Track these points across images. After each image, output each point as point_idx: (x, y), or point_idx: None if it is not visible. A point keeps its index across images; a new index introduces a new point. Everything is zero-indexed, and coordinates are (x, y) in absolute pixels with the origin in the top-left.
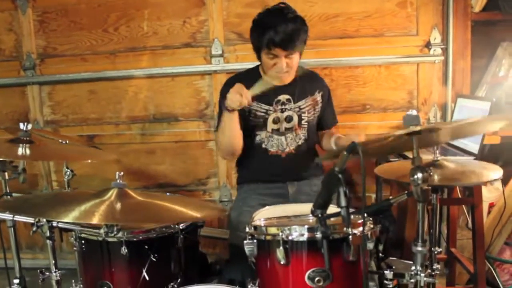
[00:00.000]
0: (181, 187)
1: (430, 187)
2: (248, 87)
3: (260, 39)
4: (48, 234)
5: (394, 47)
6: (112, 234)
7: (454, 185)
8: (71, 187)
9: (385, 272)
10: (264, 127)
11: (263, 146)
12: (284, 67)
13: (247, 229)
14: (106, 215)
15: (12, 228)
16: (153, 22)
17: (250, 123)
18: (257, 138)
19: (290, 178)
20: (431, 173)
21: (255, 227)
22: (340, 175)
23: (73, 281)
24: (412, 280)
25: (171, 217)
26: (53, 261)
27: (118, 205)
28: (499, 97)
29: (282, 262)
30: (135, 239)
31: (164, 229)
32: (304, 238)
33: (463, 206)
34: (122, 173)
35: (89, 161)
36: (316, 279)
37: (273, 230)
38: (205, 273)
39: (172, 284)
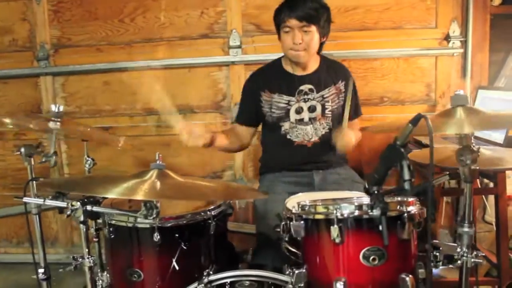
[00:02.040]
0: None
1: (478, 167)
2: (270, 80)
3: (278, 13)
4: (82, 218)
5: (413, 40)
6: (151, 218)
7: (496, 169)
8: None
9: (436, 253)
10: (287, 118)
11: (288, 137)
12: (298, 39)
13: (293, 210)
14: (150, 192)
15: (37, 216)
16: (170, 12)
17: (273, 115)
18: (282, 129)
19: (315, 167)
20: (479, 154)
21: (303, 207)
22: (402, 149)
23: (98, 270)
24: (459, 262)
25: (213, 194)
26: (86, 248)
27: (159, 185)
28: None
29: (336, 241)
30: (167, 225)
31: (196, 216)
32: (360, 215)
33: (483, 197)
34: (160, 154)
35: (120, 144)
36: (371, 257)
37: (325, 208)
38: (234, 262)
39: (207, 270)
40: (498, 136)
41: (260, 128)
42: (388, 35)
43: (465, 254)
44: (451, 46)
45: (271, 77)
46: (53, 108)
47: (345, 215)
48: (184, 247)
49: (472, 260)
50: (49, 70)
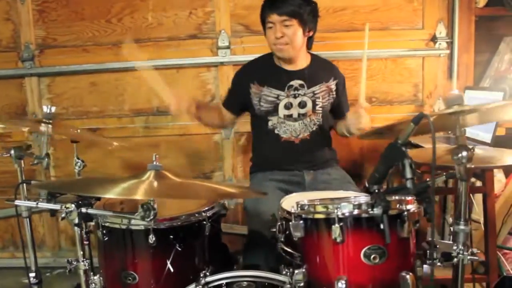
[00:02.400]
0: None
1: (473, 166)
2: (260, 73)
3: (262, 10)
4: (77, 221)
5: (401, 41)
6: (148, 219)
7: (485, 167)
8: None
9: (433, 252)
10: (275, 112)
11: (276, 131)
12: (279, 34)
13: (292, 210)
14: (148, 191)
15: (27, 219)
16: (158, 13)
17: (261, 108)
18: (269, 123)
19: (306, 166)
20: (474, 152)
21: (302, 207)
22: (403, 148)
23: (91, 273)
24: (455, 259)
25: (211, 194)
26: (81, 251)
27: (157, 185)
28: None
29: (337, 240)
30: (161, 227)
31: (190, 217)
32: (360, 214)
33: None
34: (157, 155)
35: (114, 144)
36: (372, 256)
37: (325, 208)
38: (228, 263)
39: (204, 272)
40: (486, 135)
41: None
42: (376, 36)
43: (461, 252)
44: (437, 47)
45: (261, 70)
46: (45, 109)
47: (346, 214)
48: (179, 249)
49: (468, 257)
50: (34, 71)
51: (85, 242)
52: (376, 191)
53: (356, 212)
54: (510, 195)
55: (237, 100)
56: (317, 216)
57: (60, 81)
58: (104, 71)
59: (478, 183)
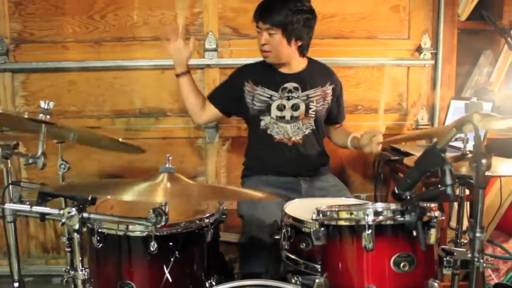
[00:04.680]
0: None
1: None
2: (255, 72)
3: (254, 13)
4: (77, 226)
5: (387, 50)
6: (160, 225)
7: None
8: (65, 181)
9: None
10: (268, 112)
11: (268, 131)
12: (262, 41)
13: (313, 216)
14: (168, 194)
15: (12, 224)
16: (144, 11)
17: (254, 107)
18: (262, 123)
19: (301, 172)
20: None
21: (324, 213)
22: (442, 154)
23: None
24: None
25: (233, 194)
26: (80, 258)
27: (173, 188)
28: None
29: (368, 248)
30: (161, 234)
31: (192, 223)
32: (391, 220)
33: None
34: (171, 156)
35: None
36: (402, 264)
37: (351, 214)
38: (225, 272)
39: (209, 281)
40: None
41: None
42: (364, 44)
43: (476, 259)
44: (422, 58)
45: (257, 70)
46: (43, 104)
47: (376, 221)
48: (178, 256)
49: (484, 264)
50: (8, 66)
51: (67, 249)
52: (409, 197)
53: (387, 218)
54: (491, 203)
55: (228, 94)
56: (343, 222)
57: (36, 78)
58: (85, 69)
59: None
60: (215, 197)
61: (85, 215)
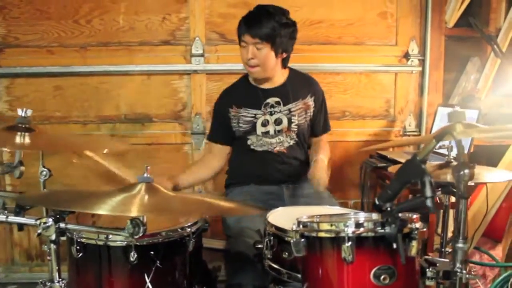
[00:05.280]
0: None
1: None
2: (237, 96)
3: (238, 26)
4: (54, 237)
5: (375, 56)
6: (138, 235)
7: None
8: (46, 189)
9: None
10: (254, 131)
11: (252, 147)
12: (249, 55)
13: (293, 227)
14: (144, 208)
15: None
16: (130, 16)
17: (240, 129)
18: (248, 142)
19: (283, 179)
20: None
21: (304, 224)
22: (423, 165)
23: None
24: (454, 278)
25: (207, 210)
26: (57, 269)
27: (150, 199)
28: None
29: (347, 260)
30: (142, 243)
31: (173, 233)
32: (372, 232)
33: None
34: (149, 166)
35: (105, 151)
36: (382, 276)
37: (332, 226)
38: (208, 280)
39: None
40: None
41: None
42: (351, 50)
43: (459, 270)
44: (410, 64)
45: (238, 93)
46: (20, 112)
47: (356, 233)
48: (160, 266)
49: (467, 276)
50: None
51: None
52: (389, 208)
53: (366, 230)
54: (478, 210)
55: (222, 127)
56: (323, 234)
57: (21, 83)
58: (70, 74)
59: (452, 199)
60: (195, 211)
61: (62, 225)
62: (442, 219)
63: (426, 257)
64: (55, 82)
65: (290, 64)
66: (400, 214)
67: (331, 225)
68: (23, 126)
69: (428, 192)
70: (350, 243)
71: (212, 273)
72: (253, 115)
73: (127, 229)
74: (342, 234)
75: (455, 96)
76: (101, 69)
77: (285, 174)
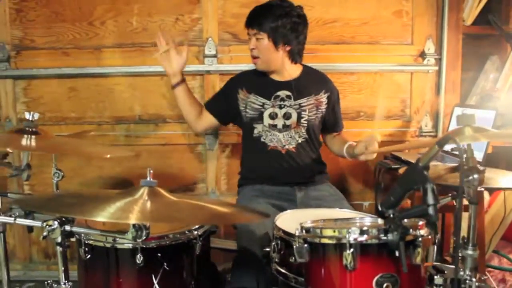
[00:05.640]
0: None
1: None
2: (249, 80)
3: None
4: (59, 239)
5: (389, 55)
6: (140, 240)
7: (487, 188)
8: (59, 189)
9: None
10: (260, 120)
11: (262, 139)
12: (250, 45)
13: (296, 233)
14: (143, 215)
15: (1, 234)
16: (143, 17)
17: (247, 115)
18: (255, 131)
19: (295, 181)
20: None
21: (308, 230)
22: (425, 172)
23: None
24: (463, 286)
25: (210, 218)
26: (63, 271)
27: (152, 205)
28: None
29: (349, 267)
30: (150, 246)
31: (180, 235)
32: (374, 240)
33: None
34: (151, 170)
35: (108, 156)
36: (385, 284)
37: (335, 232)
38: (216, 283)
39: None
40: (476, 153)
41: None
42: (365, 50)
43: (469, 278)
44: (426, 63)
45: (251, 78)
46: (27, 116)
47: (358, 240)
48: (167, 268)
49: (477, 284)
50: (9, 73)
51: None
52: (391, 215)
53: (369, 237)
54: (496, 213)
55: (223, 102)
56: (326, 240)
57: (37, 84)
58: (85, 76)
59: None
60: (199, 219)
61: (67, 228)
62: (454, 223)
63: (435, 263)
64: (70, 83)
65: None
66: (405, 221)
67: (334, 231)
68: (30, 129)
69: (430, 199)
70: (352, 250)
71: (221, 276)
72: (261, 104)
73: (129, 233)
74: (344, 241)
75: (473, 95)
76: (115, 71)
77: (296, 175)
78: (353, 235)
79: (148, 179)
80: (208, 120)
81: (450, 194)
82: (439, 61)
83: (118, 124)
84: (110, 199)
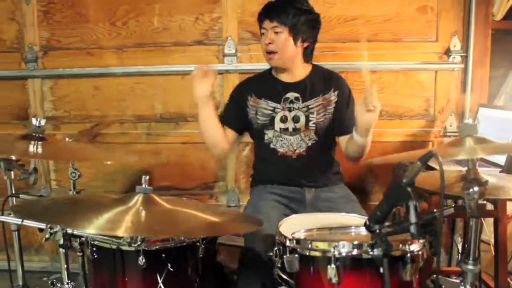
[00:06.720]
0: (187, 191)
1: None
2: (258, 86)
3: (258, 17)
4: (61, 241)
5: (413, 53)
6: (136, 245)
7: (496, 198)
8: (76, 189)
9: None
10: (271, 126)
11: (271, 146)
12: (267, 40)
13: (287, 243)
14: (133, 227)
15: (16, 233)
16: (164, 17)
17: (258, 121)
18: (265, 137)
19: (306, 182)
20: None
21: (298, 241)
22: (409, 188)
23: None
24: None
25: (204, 229)
26: (66, 272)
27: (145, 214)
28: None
29: (333, 281)
30: (152, 248)
31: (183, 238)
32: (359, 254)
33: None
34: (147, 176)
35: (109, 162)
36: None
37: (322, 245)
38: (222, 285)
39: None
40: (499, 157)
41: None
42: (387, 48)
43: None
44: (451, 61)
45: (259, 83)
46: (34, 122)
47: (343, 254)
48: (171, 269)
49: None
50: (37, 73)
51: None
52: (377, 231)
53: (355, 252)
54: None
55: (234, 112)
56: (313, 253)
57: (63, 83)
58: (107, 75)
59: (489, 206)
60: (192, 231)
61: (69, 230)
62: (464, 231)
63: (434, 277)
64: (94, 82)
65: (323, 62)
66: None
67: (321, 244)
68: (37, 135)
69: (412, 217)
70: (337, 263)
71: (228, 277)
72: (272, 109)
73: (124, 239)
74: (329, 255)
75: (502, 94)
76: (137, 70)
77: (307, 177)
78: (338, 249)
79: (143, 186)
80: (231, 135)
81: (453, 205)
82: (465, 58)
83: (140, 122)
84: (104, 207)
